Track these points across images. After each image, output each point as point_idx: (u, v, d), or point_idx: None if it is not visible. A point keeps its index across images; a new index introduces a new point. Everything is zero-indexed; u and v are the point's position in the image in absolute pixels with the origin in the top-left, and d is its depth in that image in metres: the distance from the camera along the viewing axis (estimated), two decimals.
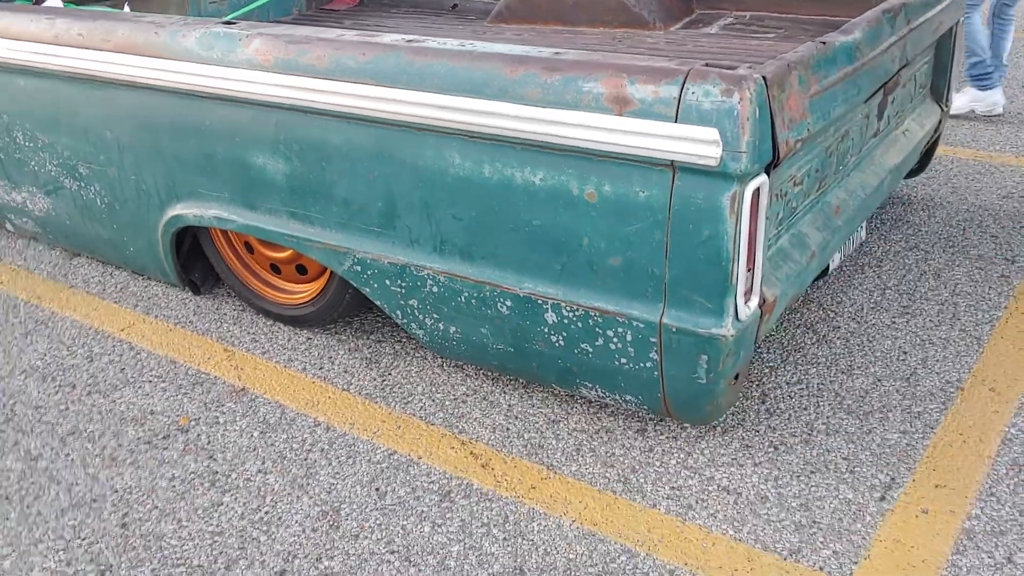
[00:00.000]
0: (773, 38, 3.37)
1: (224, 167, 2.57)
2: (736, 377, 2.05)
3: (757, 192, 1.87)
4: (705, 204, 1.86)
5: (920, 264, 3.00)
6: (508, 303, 2.19)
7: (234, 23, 2.58)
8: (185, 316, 2.87)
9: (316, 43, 2.31)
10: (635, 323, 2.02)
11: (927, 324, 2.65)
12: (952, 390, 2.35)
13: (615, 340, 2.07)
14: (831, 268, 2.59)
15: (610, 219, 1.98)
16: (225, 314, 2.87)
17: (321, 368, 2.56)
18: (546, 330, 2.17)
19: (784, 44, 3.22)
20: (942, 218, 3.34)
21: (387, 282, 2.38)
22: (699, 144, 1.81)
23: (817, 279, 2.75)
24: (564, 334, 2.14)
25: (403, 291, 2.36)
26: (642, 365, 2.07)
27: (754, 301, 1.98)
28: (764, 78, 1.84)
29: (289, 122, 2.39)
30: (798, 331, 2.64)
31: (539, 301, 2.14)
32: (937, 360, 2.48)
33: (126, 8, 3.38)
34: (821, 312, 2.74)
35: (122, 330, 2.80)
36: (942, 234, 3.21)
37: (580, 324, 2.10)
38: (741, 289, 1.92)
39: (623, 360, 2.09)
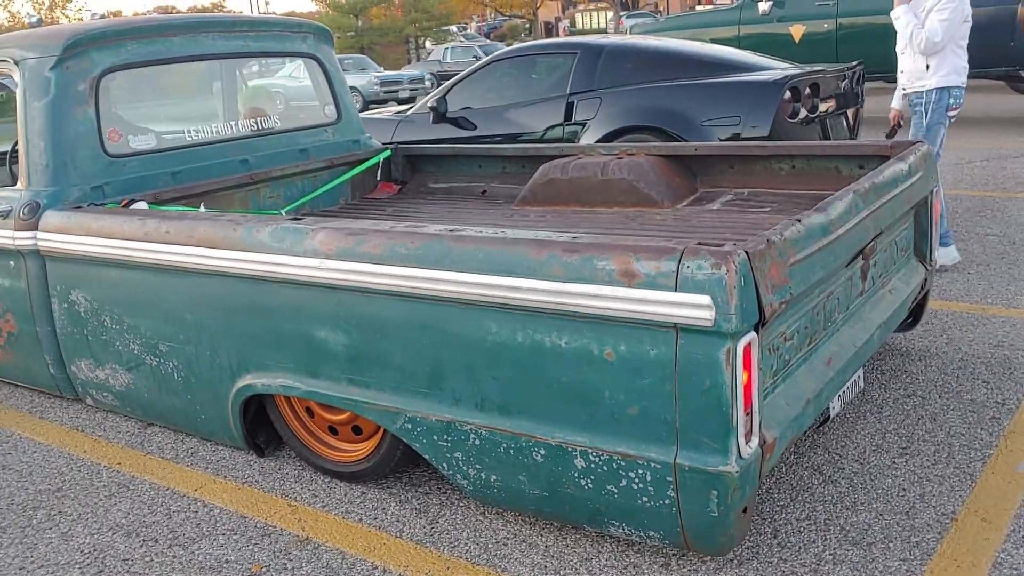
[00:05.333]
0: (769, 211, 3.80)
1: (290, 341, 2.95)
2: (744, 510, 2.31)
3: (748, 347, 2.21)
4: (704, 359, 2.20)
5: (918, 409, 3.28)
6: (542, 451, 2.50)
7: (300, 218, 3.04)
8: (251, 476, 3.18)
9: (372, 234, 2.74)
10: (653, 464, 2.32)
11: (924, 463, 2.91)
12: (947, 521, 2.58)
13: (637, 481, 2.36)
14: (832, 414, 2.89)
15: (626, 374, 2.32)
16: (287, 473, 3.18)
17: (375, 519, 2.84)
18: (576, 475, 2.46)
19: (778, 217, 3.64)
20: (938, 367, 3.64)
21: (434, 437, 2.70)
22: (696, 308, 2.17)
23: (821, 425, 3.04)
24: (592, 477, 2.43)
25: (449, 445, 2.68)
26: (661, 502, 2.34)
27: (754, 441, 2.27)
28: (747, 252, 2.22)
29: (348, 301, 2.79)
30: (806, 472, 2.90)
31: (569, 448, 2.45)
32: (934, 495, 2.72)
33: (202, 207, 3.89)
34: (826, 455, 3.01)
35: (195, 490, 3.12)
36: (938, 381, 3.50)
37: (605, 467, 2.40)
38: (741, 431, 2.22)
39: (645, 499, 2.37)
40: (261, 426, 3.33)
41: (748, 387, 2.23)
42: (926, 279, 3.64)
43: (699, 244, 2.25)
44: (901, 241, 3.50)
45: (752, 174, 4.16)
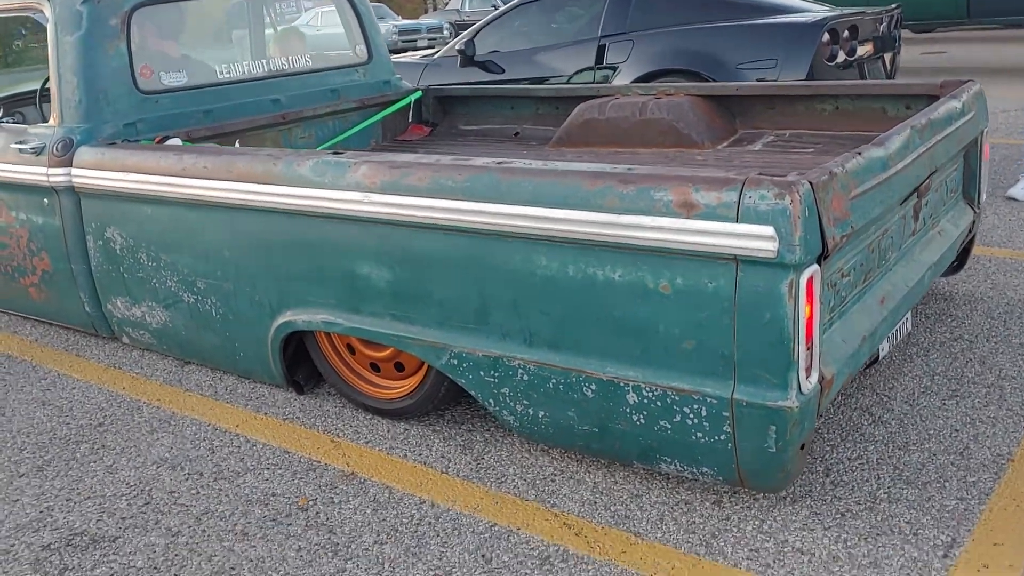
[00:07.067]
0: (812, 152, 3.72)
1: (332, 277, 2.92)
2: (802, 446, 2.28)
3: (811, 280, 2.15)
4: (766, 291, 2.15)
5: (965, 352, 3.23)
6: (593, 387, 2.46)
7: (341, 152, 2.98)
8: (292, 413, 3.17)
9: (417, 167, 2.69)
10: (709, 400, 2.28)
11: (976, 405, 2.86)
12: (1003, 461, 2.55)
13: (691, 416, 2.33)
14: (881, 356, 2.84)
15: (683, 308, 2.28)
16: (328, 410, 3.17)
17: (420, 454, 2.83)
18: (628, 410, 2.43)
19: (822, 157, 3.56)
20: (983, 311, 3.58)
21: (481, 373, 2.67)
22: (758, 240, 2.12)
23: (869, 366, 3.00)
24: (644, 413, 2.40)
25: (496, 381, 2.65)
26: (717, 438, 2.31)
27: (814, 376, 2.23)
28: (811, 183, 2.15)
29: (392, 236, 2.74)
30: (855, 413, 2.87)
31: (621, 384, 2.41)
32: (987, 436, 2.68)
33: (237, 144, 3.84)
34: (875, 397, 2.96)
35: (237, 426, 3.11)
36: (984, 326, 3.44)
37: (659, 403, 2.37)
38: (802, 365, 2.18)
39: (699, 434, 2.34)
40: (300, 363, 3.31)
41: (810, 321, 2.18)
42: (974, 222, 3.57)
43: (760, 175, 2.19)
44: (951, 182, 3.42)
45: (793, 115, 4.06)
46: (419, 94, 4.95)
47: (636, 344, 2.37)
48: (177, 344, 3.57)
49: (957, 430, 2.73)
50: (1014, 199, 5.05)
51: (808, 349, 2.20)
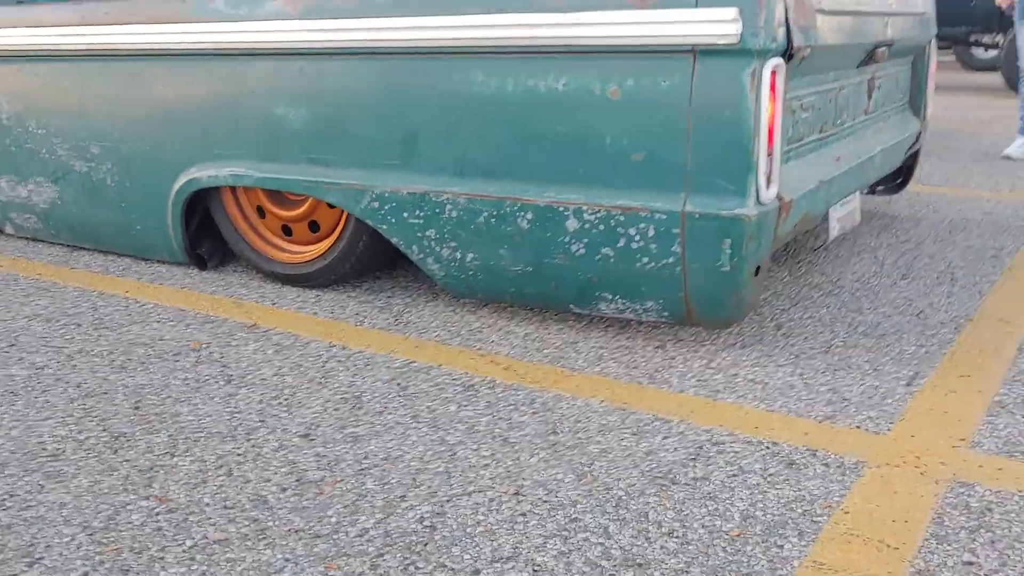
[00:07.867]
0: None
1: (243, 123, 2.63)
2: (757, 271, 2.07)
3: (774, 73, 1.96)
4: (726, 84, 1.95)
5: (913, 251, 3.09)
6: (529, 216, 2.22)
7: None
8: (191, 283, 2.85)
9: None
10: (657, 215, 2.06)
11: (928, 284, 2.71)
12: (962, 321, 2.38)
13: (637, 238, 2.10)
14: (831, 237, 2.67)
15: (633, 114, 2.06)
16: (232, 281, 2.85)
17: (332, 312, 2.54)
18: (566, 240, 2.19)
19: None
20: (929, 225, 3.46)
21: (404, 215, 2.40)
22: (719, 24, 1.92)
23: (816, 249, 2.83)
24: (585, 240, 2.17)
25: (421, 222, 2.38)
26: (664, 262, 2.09)
27: (774, 188, 2.03)
28: None
29: (312, 68, 2.48)
30: (804, 289, 2.68)
31: (560, 208, 2.18)
32: (943, 305, 2.52)
33: None
34: (823, 277, 2.79)
35: (126, 292, 2.77)
36: (930, 234, 3.32)
37: (602, 226, 2.14)
38: (762, 170, 1.98)
39: (645, 259, 2.11)
40: (204, 238, 2.99)
41: (772, 120, 1.98)
42: (920, 132, 3.46)
43: None
44: (901, 82, 3.31)
45: None
46: None
47: (579, 162, 2.15)
48: (66, 225, 3.21)
49: (911, 300, 2.56)
50: (1010, 158, 4.99)
51: (769, 155, 2.00)
